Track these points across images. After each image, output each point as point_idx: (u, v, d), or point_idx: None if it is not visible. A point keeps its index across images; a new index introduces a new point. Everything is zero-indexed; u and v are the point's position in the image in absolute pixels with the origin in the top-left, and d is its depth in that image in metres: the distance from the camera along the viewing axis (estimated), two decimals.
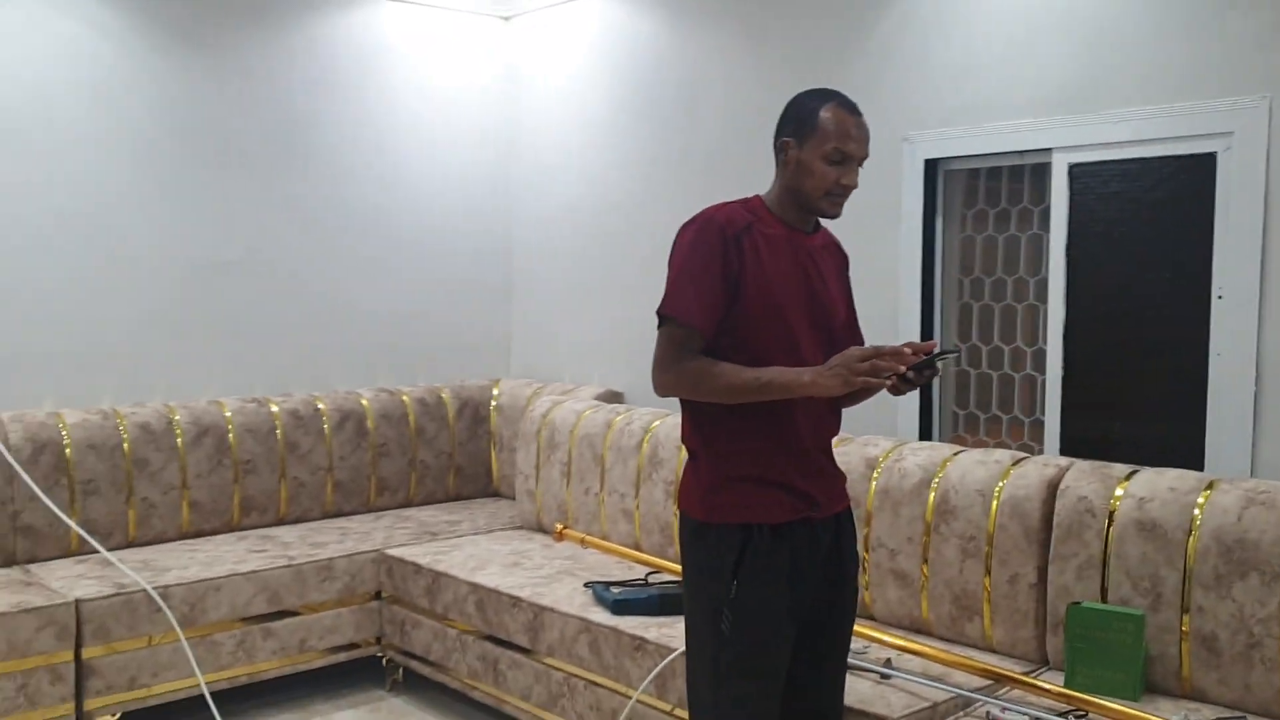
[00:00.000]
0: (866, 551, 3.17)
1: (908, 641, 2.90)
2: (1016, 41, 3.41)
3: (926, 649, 2.84)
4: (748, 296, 2.23)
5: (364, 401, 4.65)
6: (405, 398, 4.78)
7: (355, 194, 4.81)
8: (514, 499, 4.62)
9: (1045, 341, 3.43)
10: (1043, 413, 3.44)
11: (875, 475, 3.19)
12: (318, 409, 4.51)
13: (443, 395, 4.90)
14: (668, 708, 2.96)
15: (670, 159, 4.52)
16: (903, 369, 2.08)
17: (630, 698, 3.03)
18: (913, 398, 3.70)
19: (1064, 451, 3.33)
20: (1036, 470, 2.91)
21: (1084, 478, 2.81)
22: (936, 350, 2.11)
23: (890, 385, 2.13)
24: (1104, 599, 2.69)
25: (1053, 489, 2.85)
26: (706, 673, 2.28)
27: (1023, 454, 3.05)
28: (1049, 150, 3.35)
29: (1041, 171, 3.44)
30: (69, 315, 4.09)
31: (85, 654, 3.40)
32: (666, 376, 2.26)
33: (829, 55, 3.89)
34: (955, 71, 3.57)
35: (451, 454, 4.88)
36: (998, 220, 3.65)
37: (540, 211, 5.15)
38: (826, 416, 2.34)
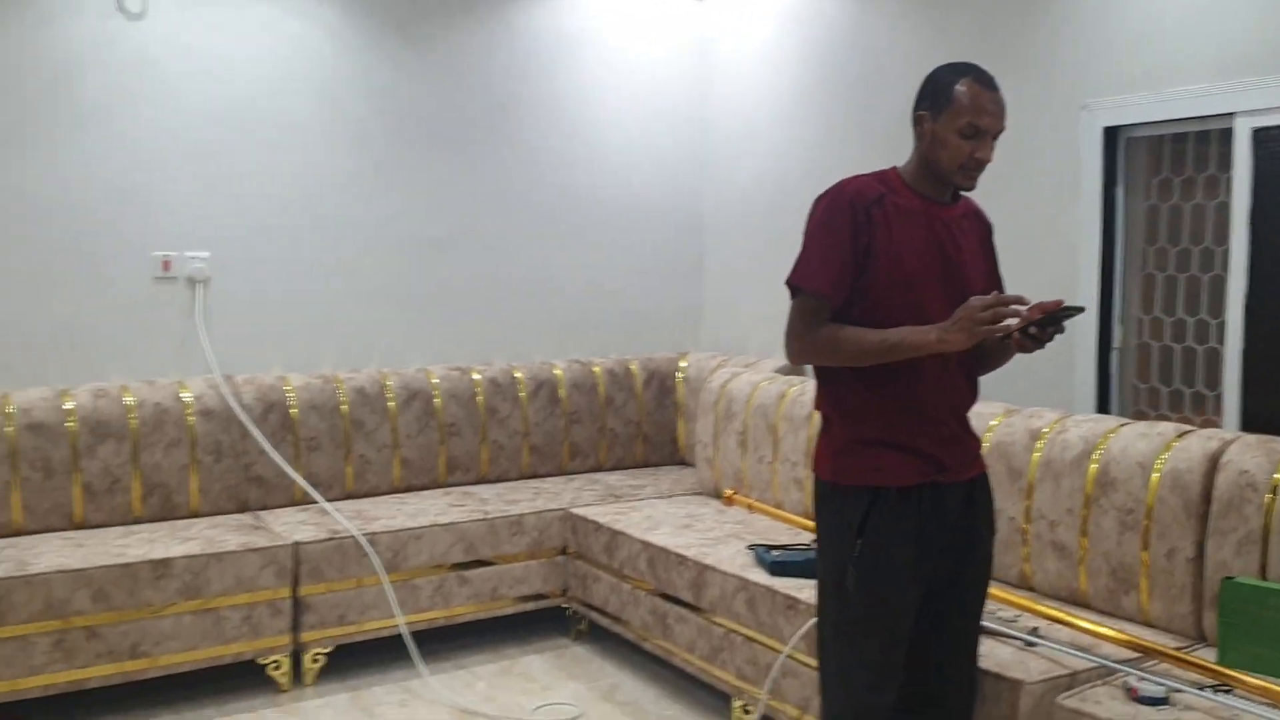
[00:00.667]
0: (1027, 523, 3.17)
1: (1060, 612, 2.89)
2: (1198, 3, 3.29)
3: (1077, 619, 2.83)
4: (877, 267, 2.30)
5: (557, 371, 4.93)
6: (596, 369, 5.03)
7: (553, 173, 5.08)
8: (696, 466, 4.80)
9: (1226, 314, 3.30)
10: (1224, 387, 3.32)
11: (1038, 447, 3.18)
12: (515, 377, 4.82)
13: (631, 367, 5.13)
14: (816, 664, 3.06)
15: (855, 132, 4.56)
16: (1022, 310, 2.12)
17: (781, 653, 3.15)
18: (1089, 370, 3.64)
19: (1244, 428, 3.21)
20: (1199, 444, 2.84)
21: (1247, 452, 2.73)
22: (1062, 306, 2.14)
23: (1015, 341, 2.18)
24: (1263, 575, 2.61)
25: (1214, 462, 2.77)
26: (832, 629, 2.38)
27: (1188, 428, 2.97)
28: (1231, 115, 3.22)
29: (1226, 137, 3.31)
30: (295, 289, 4.54)
31: (302, 591, 3.81)
32: (799, 345, 2.36)
33: (1008, 24, 3.84)
34: (1135, 36, 3.47)
35: (639, 423, 5.10)
36: (1184, 188, 3.53)
37: (730, 186, 5.28)
38: (959, 383, 2.39)
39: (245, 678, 3.78)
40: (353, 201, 4.64)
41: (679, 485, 4.71)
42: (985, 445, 3.31)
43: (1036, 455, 3.16)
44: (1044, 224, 3.73)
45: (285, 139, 4.49)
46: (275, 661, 3.77)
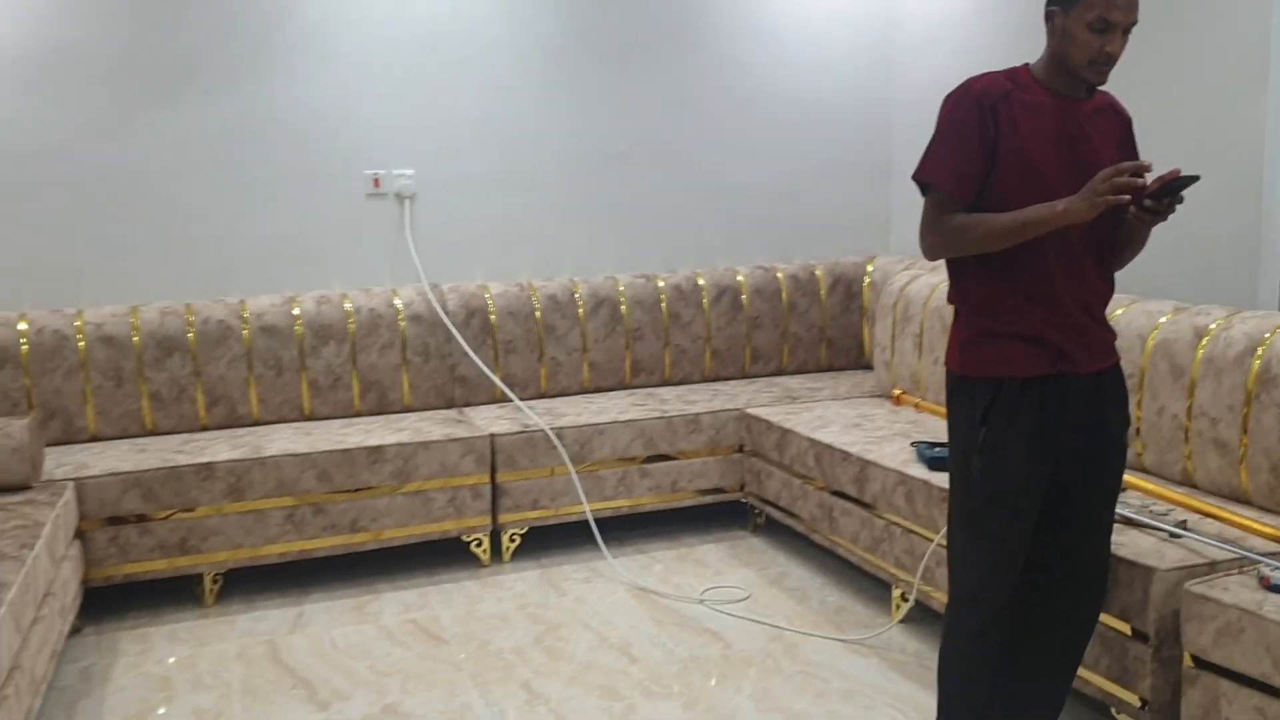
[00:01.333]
0: (1189, 420, 3.14)
1: (1215, 507, 2.88)
2: None
3: (1230, 514, 2.82)
4: (1005, 162, 2.35)
5: (740, 277, 5.09)
6: (779, 274, 5.16)
7: (737, 79, 5.18)
8: None
9: None
10: None
11: (1202, 344, 3.13)
12: (698, 284, 5.02)
13: (816, 272, 5.23)
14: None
15: (1042, 31, 4.42)
16: (1139, 183, 2.14)
17: (932, 542, 3.27)
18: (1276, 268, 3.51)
19: None
20: None
21: None
22: (1178, 176, 2.15)
23: (1133, 215, 2.20)
24: None
25: None
26: (958, 514, 2.49)
27: None
28: None
29: None
30: (492, 203, 4.87)
31: (499, 478, 4.19)
32: (930, 239, 2.45)
33: None
34: None
35: (823, 327, 5.21)
36: None
37: (919, 89, 5.22)
38: (1089, 275, 2.41)
39: (451, 553, 4.22)
40: (544, 117, 4.90)
41: (857, 388, 4.81)
42: (1150, 343, 3.28)
43: (1200, 352, 3.12)
44: (1224, 117, 3.57)
45: (481, 59, 4.78)
46: (477, 539, 4.18)
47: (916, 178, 2.44)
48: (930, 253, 2.47)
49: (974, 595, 2.47)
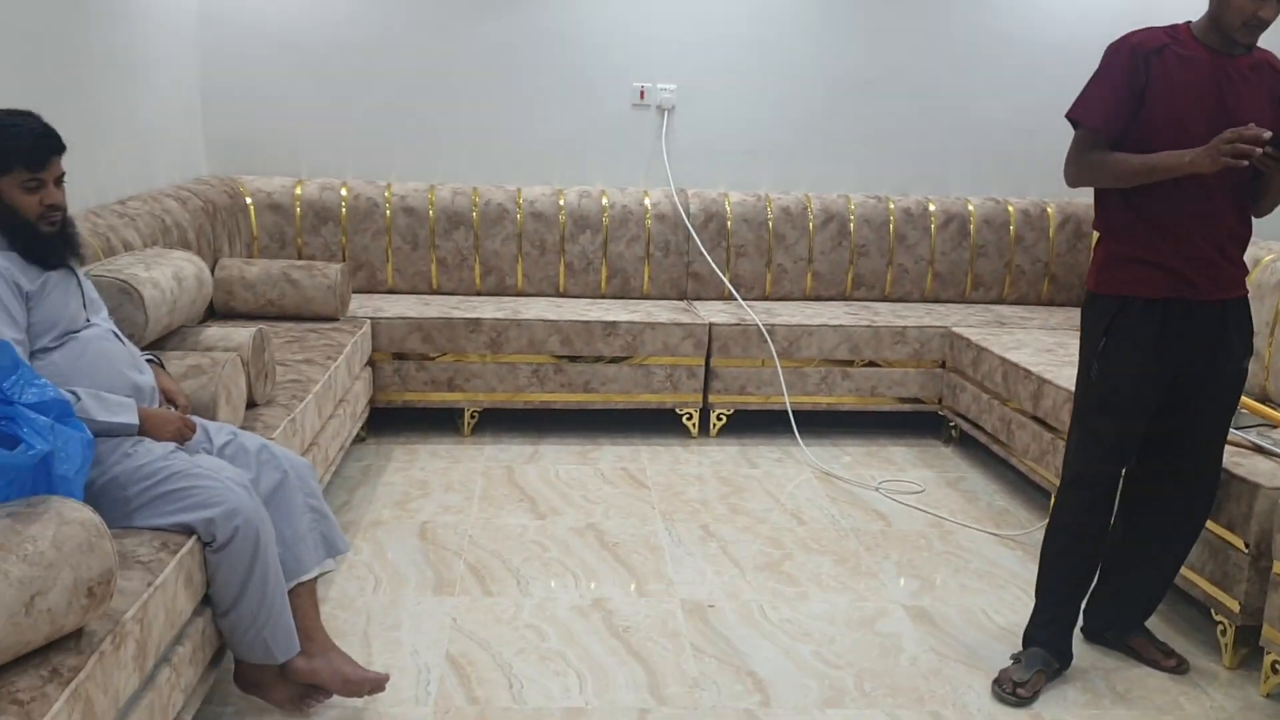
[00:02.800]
0: None
1: None
2: None
3: None
4: (1149, 108, 2.64)
5: (970, 207, 5.38)
6: (1010, 207, 5.40)
7: (991, 19, 5.40)
8: None
9: None
10: None
11: None
12: (928, 209, 5.35)
13: (1048, 209, 5.42)
14: None
15: None
16: (1258, 151, 2.40)
17: None
18: None
19: None
20: None
21: None
22: None
23: (1258, 162, 2.44)
24: None
25: None
26: (1076, 411, 2.84)
27: None
28: None
29: None
30: (742, 119, 5.37)
31: (713, 363, 4.76)
32: (1072, 169, 2.77)
33: None
34: None
35: (1048, 263, 5.42)
36: None
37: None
38: (1223, 211, 2.66)
39: (664, 422, 4.85)
40: (799, 43, 5.33)
41: (1067, 322, 5.03)
42: None
43: None
44: None
45: None
46: (688, 413, 4.79)
47: (1069, 115, 2.76)
48: (1071, 180, 2.80)
49: (1077, 479, 2.83)
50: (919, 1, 5.35)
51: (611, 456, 4.51)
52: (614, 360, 4.69)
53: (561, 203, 5.13)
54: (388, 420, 4.72)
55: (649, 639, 2.99)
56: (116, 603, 1.97)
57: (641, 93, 5.30)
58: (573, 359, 4.67)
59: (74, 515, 1.85)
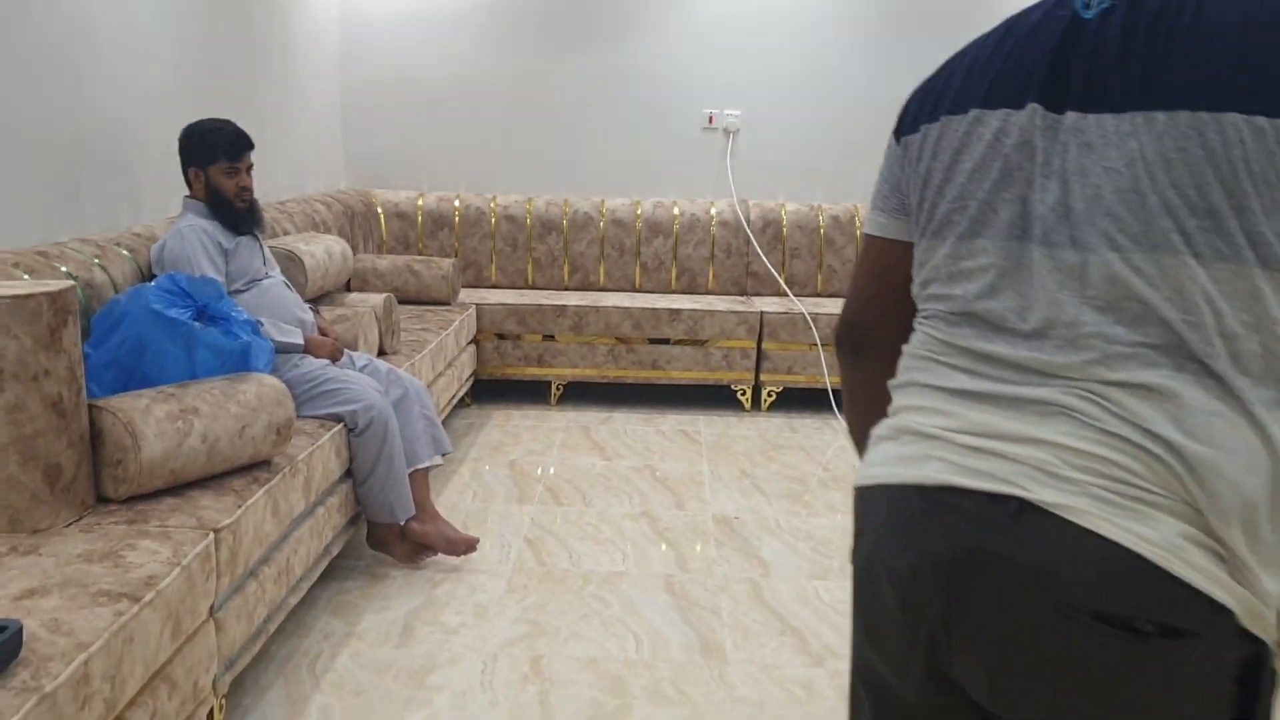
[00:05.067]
0: None
1: None
2: None
3: None
4: None
5: None
6: None
7: None
8: None
9: None
10: None
11: None
12: None
13: None
14: None
15: None
16: None
17: None
18: None
19: None
20: None
21: None
22: None
23: None
24: None
25: None
26: None
27: None
28: None
29: None
30: (798, 140, 6.18)
31: (764, 346, 5.56)
32: None
33: None
34: None
35: None
36: None
37: None
38: None
39: (720, 398, 5.66)
40: (847, 74, 6.14)
41: None
42: None
43: None
44: None
45: (803, 25, 6.09)
46: (742, 389, 5.59)
47: None
48: None
49: None
50: (952, 36, 6.09)
51: (673, 422, 5.34)
52: (678, 342, 5.52)
53: (639, 211, 6.01)
54: (490, 391, 5.63)
55: (682, 535, 3.80)
56: (292, 449, 2.87)
57: (710, 118, 6.16)
58: (643, 340, 5.52)
59: (269, 381, 2.77)
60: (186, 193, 3.40)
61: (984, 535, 1.03)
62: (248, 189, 3.42)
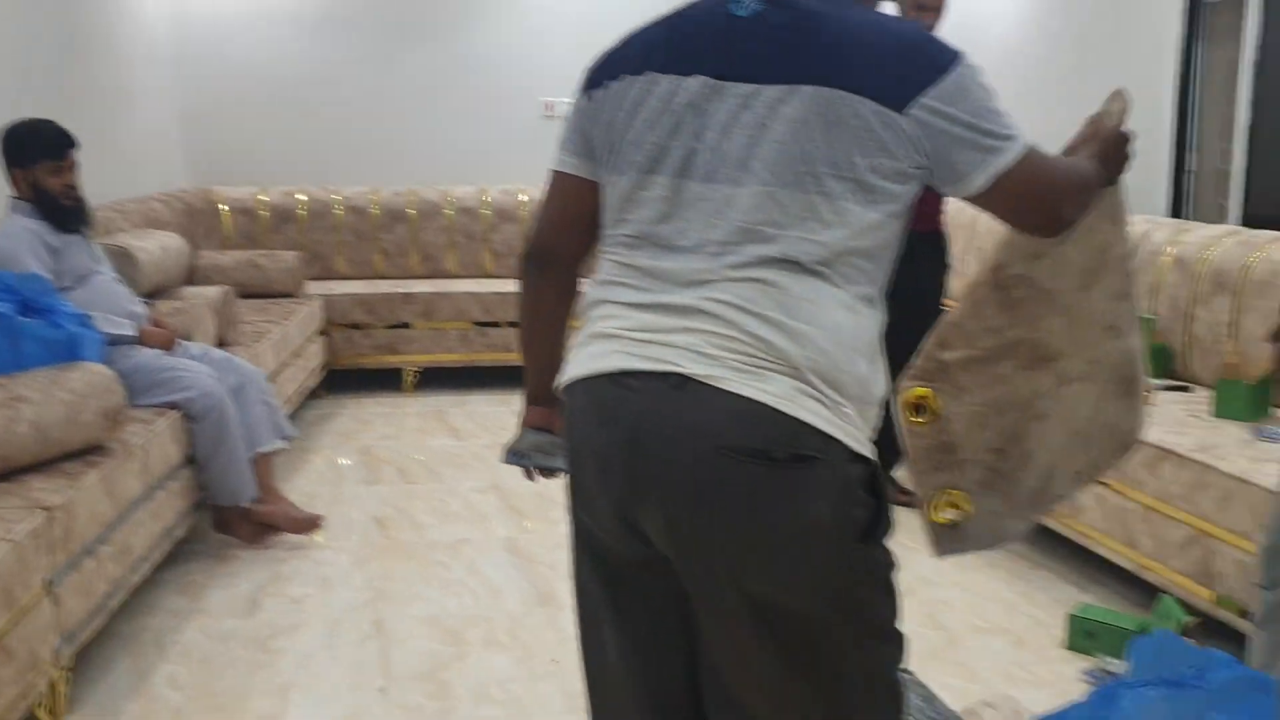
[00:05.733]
0: None
1: None
2: None
3: None
4: None
5: None
6: None
7: None
8: None
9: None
10: None
11: None
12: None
13: None
14: None
15: None
16: None
17: None
18: None
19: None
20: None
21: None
22: None
23: None
24: None
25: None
26: None
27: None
28: None
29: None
30: None
31: None
32: None
33: None
34: None
35: None
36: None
37: None
38: None
39: None
40: None
41: None
42: None
43: None
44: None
45: (636, 14, 6.27)
46: None
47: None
48: None
49: None
50: None
51: None
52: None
53: (486, 199, 6.14)
54: (344, 381, 5.69)
55: (528, 503, 3.96)
56: (129, 436, 2.95)
57: (549, 106, 6.33)
58: (494, 324, 5.66)
59: (97, 369, 2.86)
60: (13, 194, 3.42)
61: (654, 403, 1.33)
62: (73, 187, 3.45)
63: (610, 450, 1.36)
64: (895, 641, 1.43)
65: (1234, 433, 3.01)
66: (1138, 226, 3.95)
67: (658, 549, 1.38)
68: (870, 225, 1.35)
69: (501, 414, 5.22)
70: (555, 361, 1.56)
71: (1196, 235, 3.70)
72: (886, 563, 1.40)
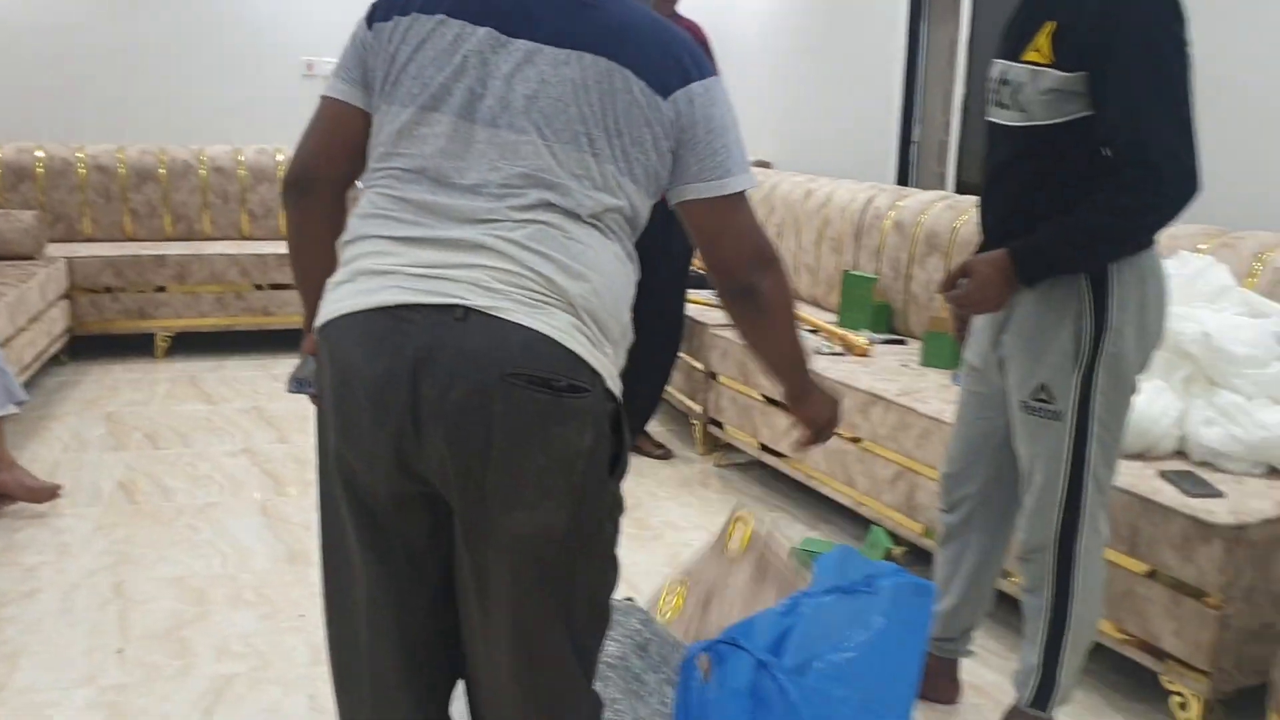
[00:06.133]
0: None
1: None
2: None
3: None
4: None
5: None
6: None
7: None
8: None
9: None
10: None
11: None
12: None
13: None
14: None
15: None
16: None
17: None
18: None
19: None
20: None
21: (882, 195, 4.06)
22: None
23: None
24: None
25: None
26: None
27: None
28: None
29: None
30: None
31: None
32: None
33: None
34: None
35: None
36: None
37: None
38: None
39: None
40: None
41: None
42: None
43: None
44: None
45: None
46: None
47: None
48: None
49: None
50: None
51: (286, 365, 5.38)
52: (290, 288, 5.57)
53: (240, 159, 5.97)
54: (91, 347, 5.45)
55: (283, 466, 3.94)
56: None
57: (310, 65, 6.19)
58: (252, 287, 5.53)
59: None
60: None
61: (439, 334, 1.37)
62: None
63: (391, 383, 1.38)
64: (617, 569, 1.56)
65: (936, 379, 3.34)
66: (865, 193, 4.27)
67: (427, 483, 1.42)
68: (629, 191, 1.46)
69: (258, 378, 5.13)
70: None
71: (913, 201, 4.03)
72: (620, 498, 1.52)
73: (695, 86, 1.48)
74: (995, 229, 2.11)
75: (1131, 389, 2.09)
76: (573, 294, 1.40)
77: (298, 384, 1.71)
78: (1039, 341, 2.05)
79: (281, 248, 5.65)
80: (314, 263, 1.60)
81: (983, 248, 2.13)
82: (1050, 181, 1.99)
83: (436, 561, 1.50)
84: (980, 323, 2.25)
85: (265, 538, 3.32)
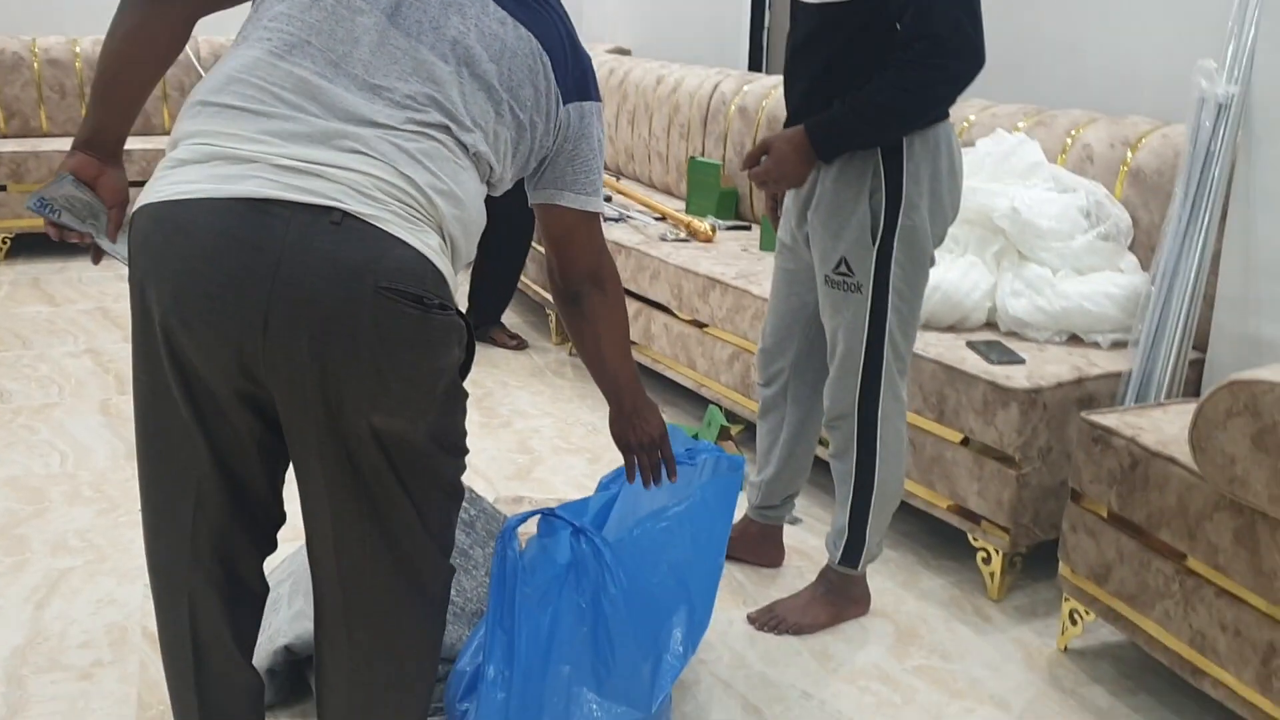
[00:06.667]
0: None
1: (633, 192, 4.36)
2: None
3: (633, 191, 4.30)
4: None
5: None
6: None
7: None
8: None
9: None
10: None
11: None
12: None
13: None
14: None
15: None
16: None
17: None
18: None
19: None
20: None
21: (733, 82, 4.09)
22: None
23: None
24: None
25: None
26: None
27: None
28: None
29: None
30: None
31: None
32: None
33: None
34: None
35: None
36: None
37: None
38: None
39: None
40: None
41: None
42: None
43: None
44: None
45: None
46: None
47: None
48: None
49: None
50: None
51: None
52: (137, 184, 5.37)
53: (77, 50, 5.69)
54: None
55: (126, 365, 3.82)
56: None
57: None
58: None
59: None
60: None
61: (312, 237, 1.30)
62: None
63: (247, 279, 1.30)
64: (464, 454, 1.57)
65: (773, 262, 3.41)
66: (712, 80, 4.29)
67: (266, 387, 1.36)
68: (506, 161, 1.52)
69: (107, 279, 4.98)
70: (134, 110, 1.51)
71: (757, 86, 4.07)
72: (465, 391, 1.54)
73: (589, 105, 1.59)
74: (797, 106, 2.16)
75: (929, 260, 2.18)
76: (445, 216, 1.40)
77: (38, 202, 1.50)
78: (839, 216, 2.12)
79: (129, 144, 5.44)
80: (133, 73, 1.48)
81: (786, 125, 2.19)
82: (847, 59, 2.05)
83: (269, 455, 1.48)
84: (789, 202, 2.32)
85: (105, 436, 3.28)
